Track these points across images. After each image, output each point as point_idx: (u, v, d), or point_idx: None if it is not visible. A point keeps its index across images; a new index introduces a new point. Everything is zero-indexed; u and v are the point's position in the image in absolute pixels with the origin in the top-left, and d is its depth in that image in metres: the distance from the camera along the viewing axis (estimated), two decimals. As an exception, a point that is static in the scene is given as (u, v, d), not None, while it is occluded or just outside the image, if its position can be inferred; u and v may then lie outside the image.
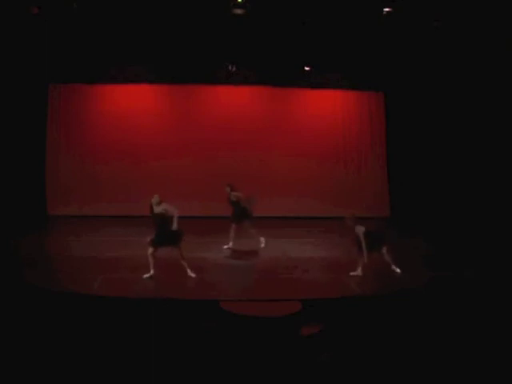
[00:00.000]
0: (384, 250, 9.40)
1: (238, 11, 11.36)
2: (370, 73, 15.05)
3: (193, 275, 9.13)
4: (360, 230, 9.38)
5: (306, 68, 14.75)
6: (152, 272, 9.01)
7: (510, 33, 11.21)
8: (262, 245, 11.28)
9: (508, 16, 10.79)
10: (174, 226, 9.00)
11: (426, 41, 12.61)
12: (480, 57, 12.37)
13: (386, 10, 11.33)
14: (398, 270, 9.44)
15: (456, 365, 5.90)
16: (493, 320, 7.14)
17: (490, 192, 12.83)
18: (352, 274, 9.44)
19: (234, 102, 15.67)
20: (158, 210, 9.20)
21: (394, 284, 9.09)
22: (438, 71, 13.70)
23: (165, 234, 9.01)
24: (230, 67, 14.55)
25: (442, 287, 8.73)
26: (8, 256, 9.93)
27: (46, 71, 14.13)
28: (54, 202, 14.91)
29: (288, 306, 7.58)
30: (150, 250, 8.98)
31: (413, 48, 13.27)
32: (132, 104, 15.32)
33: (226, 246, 11.17)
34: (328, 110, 15.98)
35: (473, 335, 6.67)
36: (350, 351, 6.33)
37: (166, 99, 15.66)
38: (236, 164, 15.28)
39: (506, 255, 10.37)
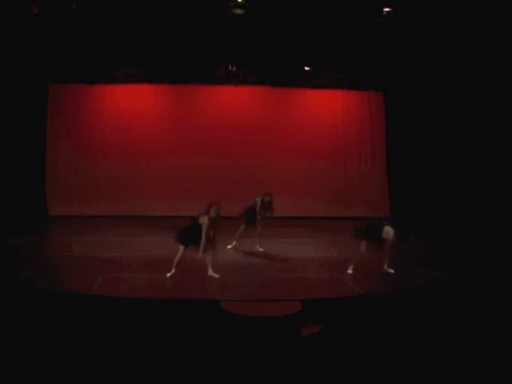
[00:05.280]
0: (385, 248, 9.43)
1: (238, 11, 11.35)
2: (369, 73, 15.05)
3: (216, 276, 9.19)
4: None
5: (306, 68, 14.76)
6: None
7: (510, 33, 11.21)
8: (260, 249, 11.28)
9: (508, 16, 10.79)
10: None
11: (425, 41, 12.60)
12: (480, 57, 12.36)
13: (386, 10, 11.33)
14: (392, 271, 9.49)
15: (456, 364, 5.91)
16: (493, 320, 7.14)
17: (490, 192, 12.83)
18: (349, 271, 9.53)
19: (233, 102, 15.68)
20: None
21: (394, 284, 9.10)
22: (437, 71, 13.69)
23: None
24: (229, 67, 14.54)
25: (441, 287, 8.73)
26: (8, 256, 9.93)
27: (46, 71, 14.14)
28: (54, 202, 14.92)
29: (288, 306, 7.59)
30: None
31: (413, 48, 13.26)
32: (132, 104, 15.33)
33: (229, 246, 11.16)
34: (328, 110, 15.99)
35: (473, 335, 6.67)
36: (349, 351, 6.33)
37: (165, 99, 15.67)
38: (236, 164, 15.32)
39: (506, 255, 10.37)
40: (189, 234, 9.01)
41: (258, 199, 11.03)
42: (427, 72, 13.95)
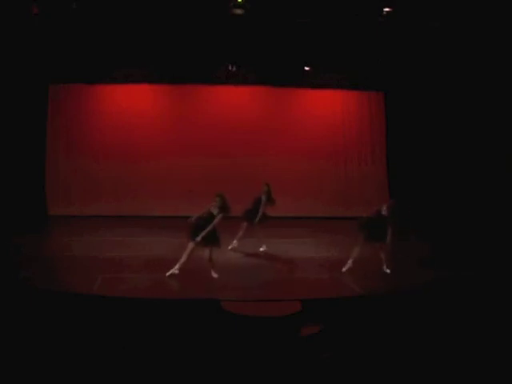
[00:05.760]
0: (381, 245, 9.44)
1: (238, 11, 11.35)
2: (369, 73, 15.05)
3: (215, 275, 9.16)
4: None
5: (306, 68, 14.76)
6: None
7: (510, 33, 11.21)
8: (262, 248, 11.27)
9: (508, 16, 10.79)
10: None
11: (425, 41, 12.61)
12: (480, 57, 12.37)
13: (386, 10, 11.34)
14: (388, 271, 9.51)
15: (455, 364, 5.91)
16: (492, 320, 7.14)
17: (490, 192, 12.83)
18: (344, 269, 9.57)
19: (233, 102, 15.69)
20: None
21: (394, 284, 9.10)
22: (437, 71, 13.70)
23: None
24: (229, 67, 14.54)
25: (441, 287, 8.73)
26: (8, 256, 9.93)
27: (46, 71, 14.14)
28: (54, 202, 14.91)
29: (288, 306, 7.58)
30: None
31: (413, 48, 13.27)
32: (132, 104, 15.33)
33: (230, 247, 11.14)
34: (328, 110, 16.00)
35: (472, 335, 6.67)
36: (349, 351, 6.33)
37: (165, 99, 15.67)
38: (236, 164, 15.32)
39: (506, 255, 10.37)
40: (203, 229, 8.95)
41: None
42: (427, 72, 13.95)
